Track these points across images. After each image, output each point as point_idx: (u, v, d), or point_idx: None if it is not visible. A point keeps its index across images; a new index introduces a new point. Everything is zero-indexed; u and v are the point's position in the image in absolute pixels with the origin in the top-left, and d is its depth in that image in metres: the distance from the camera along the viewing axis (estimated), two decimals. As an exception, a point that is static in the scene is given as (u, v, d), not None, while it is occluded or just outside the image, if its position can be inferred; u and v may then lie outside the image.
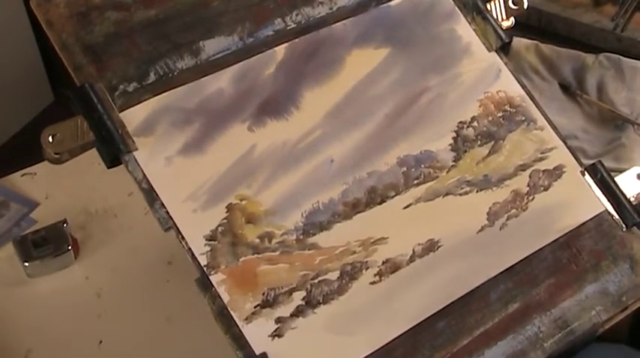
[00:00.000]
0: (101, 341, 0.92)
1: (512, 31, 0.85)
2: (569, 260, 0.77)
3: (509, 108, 0.82)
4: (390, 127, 0.78)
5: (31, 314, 0.94)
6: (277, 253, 0.71)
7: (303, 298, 0.70)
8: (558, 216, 0.79)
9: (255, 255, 0.71)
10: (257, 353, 0.67)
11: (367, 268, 0.72)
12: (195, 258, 0.69)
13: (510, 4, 0.86)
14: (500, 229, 0.77)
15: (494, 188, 0.79)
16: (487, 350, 0.72)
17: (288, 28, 0.79)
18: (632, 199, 0.81)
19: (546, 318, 0.74)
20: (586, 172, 0.82)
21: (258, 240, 0.71)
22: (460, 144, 0.80)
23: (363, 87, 0.79)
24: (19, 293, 0.96)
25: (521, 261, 0.76)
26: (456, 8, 0.85)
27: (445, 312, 0.72)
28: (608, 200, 0.80)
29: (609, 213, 0.80)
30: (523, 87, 0.84)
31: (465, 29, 0.85)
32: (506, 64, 0.84)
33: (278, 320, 0.69)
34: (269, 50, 0.78)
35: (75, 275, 0.98)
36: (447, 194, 0.77)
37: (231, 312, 0.68)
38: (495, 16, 0.85)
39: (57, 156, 0.70)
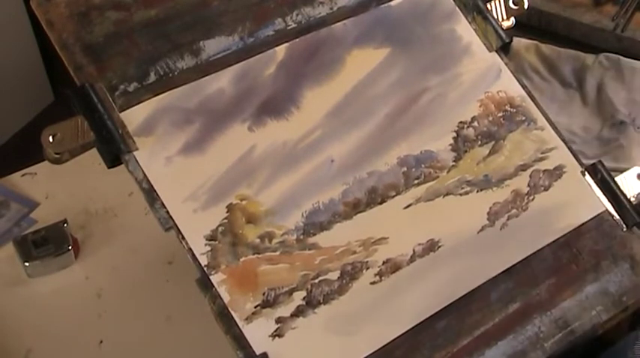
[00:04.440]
0: (101, 341, 0.92)
1: (512, 31, 0.85)
2: (570, 260, 0.77)
3: (509, 108, 0.82)
4: (391, 127, 0.78)
5: (31, 314, 0.94)
6: (277, 253, 0.71)
7: (304, 298, 0.70)
8: (559, 216, 0.79)
9: (256, 255, 0.71)
10: (257, 353, 0.67)
11: (367, 268, 0.72)
12: (196, 258, 0.69)
13: (511, 4, 0.86)
14: (501, 229, 0.77)
15: (494, 188, 0.79)
16: (487, 350, 0.72)
17: (289, 27, 0.79)
18: (632, 199, 0.81)
19: (546, 318, 0.74)
20: (586, 172, 0.82)
21: (258, 240, 0.71)
22: (460, 144, 0.80)
23: (364, 87, 0.79)
24: (19, 293, 0.96)
25: (521, 261, 0.76)
26: (457, 8, 0.85)
27: (445, 312, 0.72)
28: (609, 200, 0.80)
29: (609, 213, 0.80)
30: (523, 87, 0.84)
31: (465, 29, 0.85)
32: (506, 64, 0.84)
33: (278, 320, 0.69)
34: (269, 50, 0.78)
35: (75, 275, 0.98)
36: (447, 194, 0.77)
37: (232, 312, 0.68)
38: (496, 16, 0.85)
39: (57, 156, 0.70)
